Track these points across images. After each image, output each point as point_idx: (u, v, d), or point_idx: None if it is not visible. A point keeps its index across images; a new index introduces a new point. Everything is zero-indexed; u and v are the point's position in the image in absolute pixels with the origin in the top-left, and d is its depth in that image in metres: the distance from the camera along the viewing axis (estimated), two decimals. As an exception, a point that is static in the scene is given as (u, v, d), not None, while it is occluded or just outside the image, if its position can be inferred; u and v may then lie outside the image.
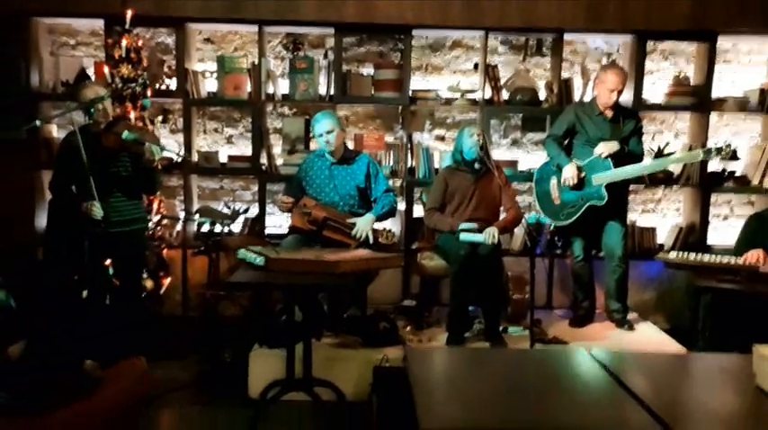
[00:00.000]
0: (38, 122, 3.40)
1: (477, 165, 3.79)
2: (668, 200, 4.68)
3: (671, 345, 3.69)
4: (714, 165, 4.40)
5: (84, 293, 3.52)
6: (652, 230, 4.47)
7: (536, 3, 4.16)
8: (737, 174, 4.39)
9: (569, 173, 3.76)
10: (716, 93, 4.37)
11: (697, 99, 4.31)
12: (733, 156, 4.38)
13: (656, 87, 4.52)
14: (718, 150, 3.54)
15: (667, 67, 4.55)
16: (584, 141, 3.83)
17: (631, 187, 4.43)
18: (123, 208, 3.43)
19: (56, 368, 3.35)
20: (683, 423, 1.55)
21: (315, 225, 3.63)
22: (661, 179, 4.39)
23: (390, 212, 3.76)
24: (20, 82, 3.85)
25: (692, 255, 3.35)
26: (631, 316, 4.03)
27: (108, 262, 3.64)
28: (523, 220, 3.77)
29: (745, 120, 4.58)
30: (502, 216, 3.88)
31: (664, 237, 4.53)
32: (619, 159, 3.70)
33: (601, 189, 3.68)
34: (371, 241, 3.59)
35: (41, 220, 4.34)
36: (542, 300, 4.40)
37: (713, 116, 4.43)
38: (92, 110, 3.25)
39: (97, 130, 3.33)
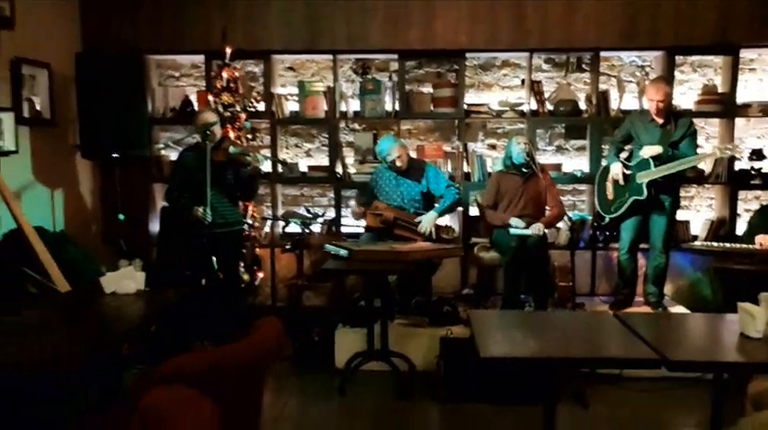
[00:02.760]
0: (164, 143, 4.17)
1: (524, 169, 4.38)
2: (701, 197, 5.15)
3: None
4: (742, 165, 4.85)
5: (203, 282, 4.26)
6: (686, 224, 4.94)
7: (574, 25, 4.73)
8: (764, 171, 4.82)
9: (615, 169, 4.29)
10: (742, 99, 4.83)
11: (723, 106, 4.78)
12: (760, 155, 4.83)
13: (688, 96, 5.00)
14: (730, 148, 4.04)
15: (697, 77, 5.03)
16: (638, 146, 4.28)
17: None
18: (227, 212, 4.12)
19: (181, 345, 4.13)
20: (673, 352, 2.12)
21: (386, 224, 4.29)
22: (694, 178, 4.87)
23: (454, 205, 4.36)
24: (139, 109, 4.65)
25: (715, 244, 3.86)
26: (666, 300, 4.53)
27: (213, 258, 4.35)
28: (566, 217, 4.33)
29: (770, 123, 5.01)
30: (547, 213, 4.46)
31: (698, 229, 4.99)
32: (667, 161, 4.10)
33: (642, 185, 4.17)
34: (434, 236, 4.24)
35: (154, 225, 5.15)
36: (586, 287, 4.95)
37: (741, 121, 4.90)
38: (207, 132, 3.98)
39: (206, 148, 4.05)
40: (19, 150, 4.19)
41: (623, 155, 4.41)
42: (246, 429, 2.39)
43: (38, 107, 4.41)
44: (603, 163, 4.52)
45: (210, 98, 4.64)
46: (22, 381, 2.18)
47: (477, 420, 3.47)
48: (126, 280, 3.06)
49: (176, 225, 4.87)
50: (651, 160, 4.11)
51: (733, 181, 4.82)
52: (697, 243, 4.05)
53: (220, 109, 4.57)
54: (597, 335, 2.48)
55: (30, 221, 3.82)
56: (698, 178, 4.89)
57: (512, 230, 4.23)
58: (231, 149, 4.03)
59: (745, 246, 3.74)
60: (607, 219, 4.40)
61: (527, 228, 4.22)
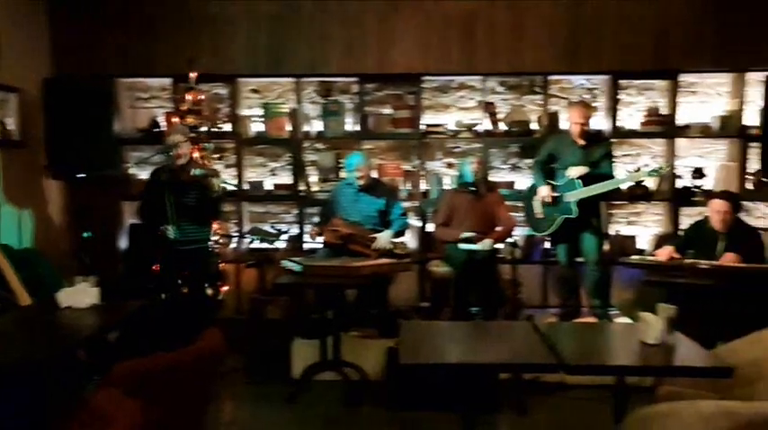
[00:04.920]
0: (129, 164, 4.38)
1: (474, 187, 4.61)
2: (648, 213, 5.39)
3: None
4: (684, 182, 5.11)
5: (163, 296, 4.44)
6: (633, 238, 5.19)
7: (522, 51, 4.99)
8: (705, 189, 5.07)
9: (544, 192, 4.54)
10: (683, 120, 5.10)
11: (665, 127, 5.05)
12: (701, 174, 5.09)
13: (634, 118, 5.26)
14: (659, 170, 4.31)
15: (642, 100, 5.29)
16: (561, 166, 4.55)
17: (616, 202, 5.21)
18: (192, 231, 4.31)
19: (142, 354, 4.29)
20: (572, 357, 2.33)
21: (342, 240, 4.49)
22: (640, 195, 5.12)
23: (403, 231, 4.60)
24: (107, 131, 4.84)
25: (648, 258, 4.09)
26: (613, 312, 4.74)
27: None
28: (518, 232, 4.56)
29: (713, 143, 5.26)
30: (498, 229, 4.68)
31: (646, 244, 5.23)
32: (590, 180, 4.40)
33: (571, 205, 4.42)
34: (389, 252, 4.43)
35: (123, 241, 5.33)
36: (539, 300, 5.15)
37: (684, 141, 5.16)
38: (170, 152, 4.19)
39: (175, 168, 4.25)
40: (-11, 171, 4.37)
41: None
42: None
43: (8, 128, 4.60)
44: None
45: (176, 120, 4.84)
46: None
47: (420, 426, 3.65)
48: (80, 295, 3.23)
49: (145, 241, 5.07)
50: (578, 180, 4.34)
51: (676, 198, 5.06)
52: (634, 257, 4.29)
53: (186, 130, 4.77)
54: (513, 343, 2.68)
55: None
56: (644, 195, 5.14)
57: (461, 245, 4.44)
58: (196, 171, 4.23)
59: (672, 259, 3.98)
60: (538, 237, 4.64)
61: (476, 243, 4.44)
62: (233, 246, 5.35)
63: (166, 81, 5.37)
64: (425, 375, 3.69)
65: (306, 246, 5.27)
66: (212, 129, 5.14)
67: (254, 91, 5.50)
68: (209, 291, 4.94)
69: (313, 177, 5.41)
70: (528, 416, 3.70)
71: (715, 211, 4.10)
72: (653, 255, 4.21)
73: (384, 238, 4.45)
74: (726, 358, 2.69)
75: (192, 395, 2.55)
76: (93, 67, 5.12)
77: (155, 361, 2.33)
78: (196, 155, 4.79)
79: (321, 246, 4.65)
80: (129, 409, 2.00)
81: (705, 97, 5.27)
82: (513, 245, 4.47)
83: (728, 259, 3.96)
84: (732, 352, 2.72)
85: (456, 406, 3.68)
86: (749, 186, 5.11)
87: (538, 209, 4.63)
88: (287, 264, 4.11)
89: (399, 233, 4.57)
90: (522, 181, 5.37)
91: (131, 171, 5.41)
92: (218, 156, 5.45)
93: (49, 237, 5.09)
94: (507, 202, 4.92)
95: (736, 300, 3.79)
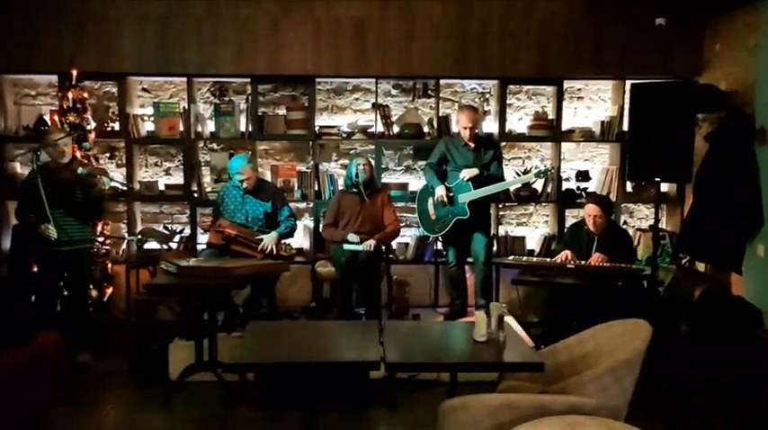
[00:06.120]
0: (14, 161, 4.26)
1: (357, 189, 4.65)
2: (538, 214, 5.57)
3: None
4: (569, 185, 5.31)
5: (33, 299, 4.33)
6: (522, 239, 5.35)
7: (411, 56, 5.08)
8: (589, 191, 5.28)
9: (440, 192, 4.62)
10: (569, 125, 5.29)
11: (551, 131, 5.23)
12: (585, 176, 5.30)
13: (523, 121, 5.43)
14: (545, 172, 4.46)
15: (531, 104, 5.47)
16: (453, 167, 4.66)
17: (506, 204, 5.37)
18: (72, 231, 4.22)
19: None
20: (396, 354, 2.39)
21: (226, 241, 4.46)
22: (529, 197, 5.29)
23: (290, 233, 4.60)
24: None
25: (524, 258, 4.23)
26: (498, 311, 4.87)
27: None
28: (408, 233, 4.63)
29: (597, 146, 5.49)
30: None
31: (535, 244, 5.40)
32: (481, 182, 4.52)
33: (464, 206, 4.53)
34: (274, 253, 4.44)
35: (6, 243, 5.15)
36: (429, 299, 5.25)
37: (571, 144, 5.36)
38: (49, 149, 4.09)
39: (55, 167, 4.15)
40: None
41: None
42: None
43: None
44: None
45: (56, 118, 4.72)
46: None
47: (289, 425, 3.67)
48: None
49: (27, 242, 4.93)
50: (470, 182, 4.46)
51: (561, 199, 5.25)
52: (510, 258, 4.44)
53: (67, 128, 4.67)
54: (350, 341, 2.73)
55: None
56: (532, 197, 5.30)
57: (345, 246, 4.49)
58: (79, 170, 4.15)
59: (542, 259, 4.12)
60: (431, 238, 4.73)
61: (360, 243, 4.49)
62: (124, 247, 5.25)
63: (54, 78, 5.22)
64: (296, 374, 3.71)
65: (199, 246, 5.22)
66: (102, 129, 5.03)
67: (146, 90, 5.41)
68: (94, 294, 4.86)
69: (206, 178, 5.35)
70: (397, 411, 3.77)
71: (588, 215, 4.28)
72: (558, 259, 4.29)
73: (269, 240, 4.44)
74: (560, 353, 2.83)
75: (17, 398, 2.50)
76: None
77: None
78: (79, 154, 4.71)
79: (205, 247, 4.62)
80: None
81: (590, 103, 5.50)
82: (390, 248, 4.55)
83: (595, 259, 4.14)
84: (566, 347, 2.85)
85: (329, 403, 3.74)
86: (630, 189, 5.34)
87: (431, 210, 4.71)
88: (164, 265, 4.06)
89: (286, 235, 4.57)
90: (416, 183, 5.46)
91: (18, 170, 5.25)
92: (108, 155, 5.34)
93: None
94: (400, 204, 5.02)
95: (601, 297, 3.99)
